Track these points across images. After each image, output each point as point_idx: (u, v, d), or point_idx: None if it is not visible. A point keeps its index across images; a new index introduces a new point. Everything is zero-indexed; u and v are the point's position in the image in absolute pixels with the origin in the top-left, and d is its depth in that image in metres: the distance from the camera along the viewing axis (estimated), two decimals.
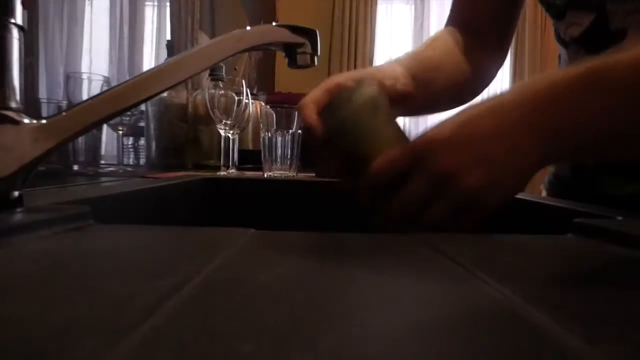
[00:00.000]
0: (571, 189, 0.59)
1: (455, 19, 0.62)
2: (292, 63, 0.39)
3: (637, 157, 0.38)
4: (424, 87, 0.48)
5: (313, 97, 0.40)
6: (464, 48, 0.57)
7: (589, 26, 0.52)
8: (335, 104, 0.38)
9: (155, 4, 1.42)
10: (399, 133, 0.38)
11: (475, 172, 0.31)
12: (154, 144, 0.99)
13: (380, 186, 0.34)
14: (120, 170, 0.79)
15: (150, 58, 1.37)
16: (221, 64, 0.94)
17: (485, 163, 0.31)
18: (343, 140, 0.37)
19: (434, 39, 0.57)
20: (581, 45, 0.55)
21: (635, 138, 0.31)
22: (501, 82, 3.23)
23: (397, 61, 0.49)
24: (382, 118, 0.37)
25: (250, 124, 1.02)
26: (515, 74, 3.27)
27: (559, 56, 0.61)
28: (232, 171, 0.85)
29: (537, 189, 0.66)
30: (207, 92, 0.82)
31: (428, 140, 0.33)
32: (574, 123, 0.31)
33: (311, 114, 0.39)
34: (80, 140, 0.80)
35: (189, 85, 1.06)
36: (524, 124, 0.31)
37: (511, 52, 3.25)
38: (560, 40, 0.58)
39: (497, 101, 0.33)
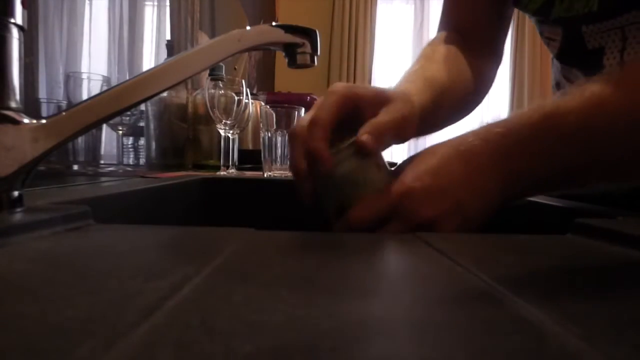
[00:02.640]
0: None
1: (448, 25, 0.62)
2: (292, 63, 0.39)
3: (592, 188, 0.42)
4: (432, 115, 0.47)
5: (323, 115, 0.36)
6: (463, 56, 0.57)
7: (564, 44, 0.54)
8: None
9: (155, 4, 1.42)
10: (387, 178, 0.38)
11: (450, 220, 0.34)
12: (153, 144, 0.99)
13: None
14: (120, 170, 0.79)
15: (150, 58, 1.37)
16: (221, 64, 0.94)
17: (458, 210, 0.34)
18: (330, 191, 0.38)
19: (436, 51, 0.56)
20: (562, 62, 0.56)
21: (584, 175, 0.35)
22: (501, 85, 3.23)
23: (409, 84, 0.48)
24: (372, 169, 0.38)
25: (250, 123, 1.02)
26: (515, 77, 3.27)
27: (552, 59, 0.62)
28: (232, 171, 0.85)
29: None
30: (207, 92, 0.82)
31: (406, 189, 0.34)
32: (530, 165, 0.34)
33: (319, 142, 0.35)
34: (80, 140, 0.80)
35: (189, 85, 1.06)
36: (490, 170, 0.35)
37: (510, 55, 3.25)
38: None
39: (467, 146, 0.36)
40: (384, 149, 0.39)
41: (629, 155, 0.33)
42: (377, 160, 0.38)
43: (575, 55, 0.54)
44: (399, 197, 0.34)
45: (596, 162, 0.34)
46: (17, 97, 0.27)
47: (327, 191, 0.39)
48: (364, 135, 0.35)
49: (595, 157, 0.34)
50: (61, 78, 0.89)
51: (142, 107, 0.96)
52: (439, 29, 0.63)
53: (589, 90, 0.33)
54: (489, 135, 0.35)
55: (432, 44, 0.58)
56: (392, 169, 0.40)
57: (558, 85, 0.60)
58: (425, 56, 0.56)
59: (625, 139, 0.33)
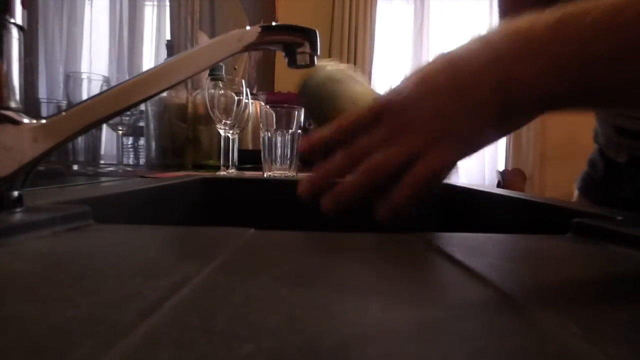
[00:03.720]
0: (603, 189, 0.58)
1: (502, 12, 0.60)
2: (292, 63, 0.39)
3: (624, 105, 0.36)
4: None
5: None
6: None
7: None
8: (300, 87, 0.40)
9: (155, 4, 1.42)
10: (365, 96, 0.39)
11: (430, 124, 0.31)
12: (153, 144, 0.99)
13: (338, 142, 0.34)
14: (120, 170, 0.79)
15: (150, 58, 1.36)
16: (221, 64, 0.94)
17: (439, 115, 0.31)
18: (316, 118, 0.39)
19: None
20: None
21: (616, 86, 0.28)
22: None
23: None
24: (340, 89, 0.38)
25: (250, 123, 1.02)
26: None
27: None
28: (232, 171, 0.85)
29: (570, 189, 0.66)
30: (206, 92, 0.82)
31: (388, 98, 0.33)
32: (544, 68, 0.28)
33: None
34: (80, 140, 0.80)
35: (189, 85, 1.06)
36: (480, 77, 0.30)
37: None
38: None
39: (463, 50, 0.32)
40: None
41: None
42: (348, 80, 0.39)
43: None
44: (380, 105, 0.33)
45: (623, 61, 0.26)
46: (17, 97, 0.27)
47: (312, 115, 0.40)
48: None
49: (620, 55, 0.26)
50: (61, 78, 0.89)
51: (142, 107, 0.96)
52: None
53: None
54: (496, 35, 0.30)
55: None
56: None
57: None
58: None
59: None
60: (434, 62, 0.33)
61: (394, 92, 0.33)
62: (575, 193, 0.65)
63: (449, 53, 0.33)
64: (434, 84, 0.32)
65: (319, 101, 0.39)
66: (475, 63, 0.31)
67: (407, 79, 0.34)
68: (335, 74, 0.40)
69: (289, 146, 0.80)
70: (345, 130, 0.34)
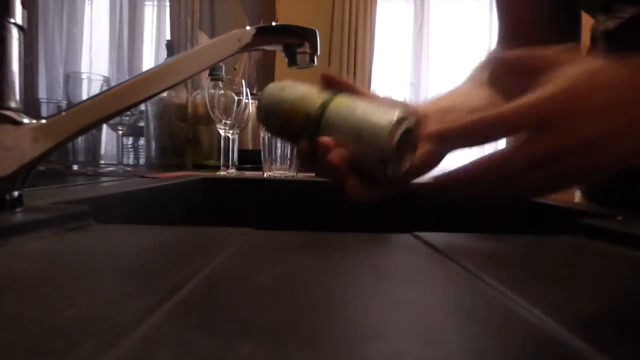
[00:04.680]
0: (606, 193, 0.58)
1: (507, 27, 0.58)
2: (292, 63, 0.39)
3: None
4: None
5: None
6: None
7: (629, 17, 0.46)
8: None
9: (155, 4, 1.42)
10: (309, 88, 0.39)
11: (612, 145, 0.27)
12: (153, 144, 0.99)
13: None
14: (120, 170, 0.79)
15: (150, 58, 1.37)
16: (221, 64, 0.94)
17: (627, 134, 0.27)
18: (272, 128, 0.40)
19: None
20: (612, 39, 0.48)
21: None
22: None
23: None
24: (285, 92, 0.39)
25: (250, 123, 1.02)
26: None
27: None
28: (232, 171, 0.85)
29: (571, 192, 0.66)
30: (206, 92, 0.82)
31: (554, 106, 0.27)
32: None
33: None
34: (80, 140, 0.81)
35: (189, 85, 1.06)
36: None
37: None
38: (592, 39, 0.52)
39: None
40: None
41: None
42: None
43: (633, 31, 0.45)
44: (546, 110, 0.27)
45: None
46: (17, 97, 0.27)
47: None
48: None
49: None
50: (61, 78, 0.89)
51: (142, 107, 0.96)
52: (498, 42, 0.59)
53: None
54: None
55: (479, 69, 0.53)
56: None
57: None
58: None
59: None
60: (614, 68, 0.28)
61: (561, 94, 0.28)
62: (578, 194, 0.65)
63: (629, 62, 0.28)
64: (619, 100, 0.27)
65: (272, 110, 0.40)
66: None
67: (571, 85, 0.28)
68: (277, 85, 0.41)
69: (289, 146, 0.80)
70: (482, 136, 0.29)
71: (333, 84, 0.38)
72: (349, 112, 0.36)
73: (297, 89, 0.39)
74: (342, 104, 0.37)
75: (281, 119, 0.39)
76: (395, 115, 0.33)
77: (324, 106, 0.37)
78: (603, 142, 0.27)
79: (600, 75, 0.28)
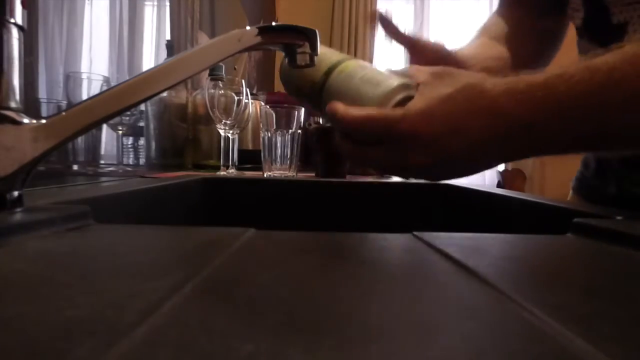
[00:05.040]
0: (596, 189, 0.59)
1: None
2: (292, 63, 0.39)
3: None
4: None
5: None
6: (513, 26, 0.56)
7: (588, 14, 0.51)
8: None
9: (155, 4, 1.42)
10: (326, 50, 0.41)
11: (437, 172, 0.35)
12: (153, 144, 0.99)
13: (345, 128, 0.37)
14: (120, 170, 0.79)
15: (150, 58, 1.37)
16: (221, 64, 0.94)
17: (451, 166, 0.35)
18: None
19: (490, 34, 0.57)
20: (583, 35, 0.53)
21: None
22: None
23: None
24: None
25: (250, 123, 1.02)
26: None
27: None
28: (232, 171, 0.85)
29: (566, 189, 0.66)
30: (206, 92, 0.82)
31: (412, 129, 0.33)
32: (559, 133, 0.32)
33: None
34: (80, 140, 0.81)
35: (189, 85, 1.06)
36: (512, 139, 0.32)
37: None
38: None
39: (502, 111, 0.32)
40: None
41: None
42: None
43: (598, 30, 0.50)
44: (400, 133, 0.34)
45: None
46: (17, 97, 0.27)
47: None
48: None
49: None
50: (61, 78, 0.89)
51: (142, 107, 0.96)
52: (496, 11, 0.62)
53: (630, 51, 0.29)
54: (529, 100, 0.31)
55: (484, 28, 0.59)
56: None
57: None
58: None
59: None
60: (470, 99, 0.33)
61: (420, 123, 0.33)
62: (570, 193, 0.65)
63: (487, 96, 0.33)
64: (465, 140, 0.33)
65: (286, 74, 0.42)
66: (508, 125, 0.32)
67: (435, 103, 0.34)
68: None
69: (289, 146, 0.80)
70: (351, 125, 0.36)
71: (389, 28, 0.44)
72: (348, 80, 0.38)
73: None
74: (344, 70, 0.39)
75: (294, 83, 0.42)
76: (389, 86, 0.35)
77: (328, 73, 0.39)
78: (435, 167, 0.34)
79: (449, 103, 0.34)
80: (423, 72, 0.37)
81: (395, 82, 0.37)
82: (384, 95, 0.36)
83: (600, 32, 0.50)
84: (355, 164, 0.40)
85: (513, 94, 0.32)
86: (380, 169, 0.39)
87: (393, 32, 0.44)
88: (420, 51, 0.44)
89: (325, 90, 0.39)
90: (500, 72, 0.34)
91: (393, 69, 0.41)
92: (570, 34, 0.57)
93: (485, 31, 0.58)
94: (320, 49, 0.40)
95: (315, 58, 0.38)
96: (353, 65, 0.40)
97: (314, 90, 0.40)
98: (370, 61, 3.33)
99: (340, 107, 0.36)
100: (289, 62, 0.40)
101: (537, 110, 0.31)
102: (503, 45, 0.55)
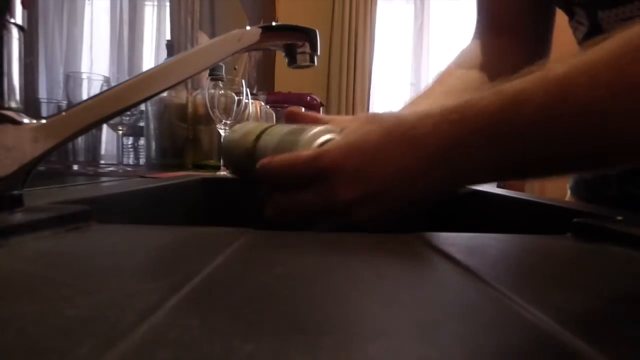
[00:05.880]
0: (596, 190, 0.58)
1: (486, 21, 0.61)
2: (292, 63, 0.39)
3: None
4: None
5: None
6: (495, 54, 0.56)
7: (590, 31, 0.51)
8: None
9: (155, 4, 1.42)
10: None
11: (366, 207, 0.33)
12: (153, 144, 0.99)
13: (273, 178, 0.37)
14: (120, 170, 0.79)
15: (150, 58, 1.37)
16: (221, 63, 0.94)
17: (380, 199, 0.33)
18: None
19: (448, 76, 0.56)
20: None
21: (534, 168, 0.32)
22: None
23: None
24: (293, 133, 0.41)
25: None
26: None
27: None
28: None
29: (566, 189, 0.66)
30: (207, 91, 0.82)
31: (333, 164, 0.33)
32: (477, 158, 0.32)
33: None
34: (80, 140, 0.81)
35: (189, 85, 1.06)
36: (432, 162, 0.32)
37: None
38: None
39: (416, 133, 0.33)
40: None
41: (588, 149, 0.29)
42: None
43: None
44: (323, 168, 0.33)
45: (551, 157, 0.30)
46: (17, 97, 0.27)
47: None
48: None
49: (550, 153, 0.30)
50: (61, 78, 0.89)
51: (142, 107, 0.96)
52: (475, 31, 0.62)
53: (552, 73, 0.29)
54: (443, 122, 0.32)
55: (442, 74, 0.58)
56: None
57: None
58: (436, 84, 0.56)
59: (586, 135, 0.28)
60: (387, 130, 0.34)
61: (340, 155, 0.33)
62: (568, 194, 0.65)
63: (402, 124, 0.34)
64: (385, 164, 0.33)
65: (226, 153, 0.48)
66: (425, 148, 0.32)
67: (352, 137, 0.34)
68: (231, 130, 0.49)
69: None
70: (273, 171, 0.36)
71: (298, 119, 0.44)
72: (275, 136, 0.42)
73: (243, 129, 0.45)
74: (271, 131, 0.42)
75: (232, 158, 0.46)
76: (312, 129, 0.38)
77: (257, 138, 0.42)
78: (364, 200, 0.33)
79: (368, 135, 0.34)
80: (346, 119, 0.39)
81: (318, 127, 0.38)
82: (307, 138, 0.37)
83: None
84: (284, 215, 0.37)
85: (428, 118, 0.33)
86: (310, 214, 0.36)
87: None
88: None
89: (257, 152, 0.41)
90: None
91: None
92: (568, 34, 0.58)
93: (448, 74, 0.57)
94: (249, 124, 0.45)
95: (246, 130, 0.43)
96: (280, 126, 0.42)
97: (248, 156, 0.42)
98: (370, 61, 3.33)
99: (266, 159, 0.36)
100: (289, 62, 0.40)
101: (453, 133, 0.31)
102: (478, 73, 0.55)
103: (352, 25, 3.30)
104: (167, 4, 1.34)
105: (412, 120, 0.33)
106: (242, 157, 0.43)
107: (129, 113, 0.81)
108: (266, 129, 0.42)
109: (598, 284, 0.17)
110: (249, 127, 0.45)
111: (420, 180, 0.33)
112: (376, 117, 0.36)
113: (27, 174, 0.27)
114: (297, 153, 0.35)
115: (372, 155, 0.33)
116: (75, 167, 0.79)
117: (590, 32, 0.51)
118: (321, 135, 0.37)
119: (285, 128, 0.40)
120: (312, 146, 0.36)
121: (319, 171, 0.33)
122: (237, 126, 0.47)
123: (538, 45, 0.59)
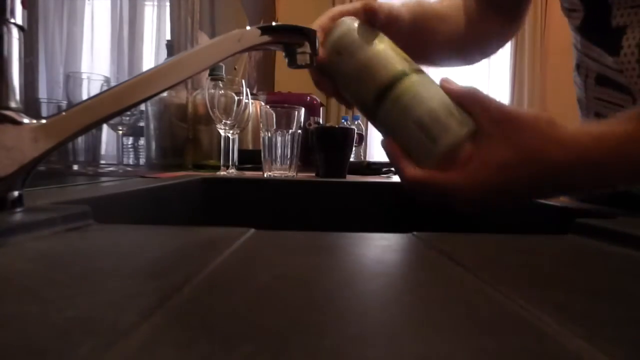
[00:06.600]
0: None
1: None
2: (292, 63, 0.39)
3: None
4: (420, 33, 0.53)
5: (319, 23, 0.48)
6: (472, 9, 0.59)
7: (588, 15, 0.52)
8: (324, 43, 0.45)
9: (155, 4, 1.42)
10: (387, 52, 0.42)
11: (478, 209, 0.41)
12: (153, 144, 0.99)
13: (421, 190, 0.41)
14: (120, 170, 0.79)
15: (150, 58, 1.37)
16: (221, 64, 0.94)
17: (491, 208, 0.41)
18: (334, 73, 0.44)
19: None
20: (583, 36, 0.54)
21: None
22: (501, 85, 3.23)
23: (403, 4, 0.53)
24: (357, 50, 0.42)
25: (250, 124, 1.02)
26: (515, 77, 3.26)
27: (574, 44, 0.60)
28: (232, 171, 0.84)
29: None
30: (207, 92, 0.82)
31: (465, 189, 0.38)
32: (600, 178, 0.36)
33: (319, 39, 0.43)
34: (80, 140, 0.81)
35: (189, 85, 1.06)
36: (555, 184, 0.36)
37: (511, 52, 3.25)
38: (571, 26, 0.58)
39: (559, 172, 0.35)
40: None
41: None
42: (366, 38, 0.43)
43: (597, 31, 0.52)
44: (453, 191, 0.38)
45: None
46: (17, 97, 0.27)
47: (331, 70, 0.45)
48: None
49: None
50: (61, 78, 0.89)
51: (142, 107, 0.96)
52: None
53: None
54: (582, 156, 0.35)
55: None
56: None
57: (579, 67, 0.58)
58: None
59: None
60: (530, 170, 0.37)
61: (471, 185, 0.38)
62: None
63: (549, 164, 0.36)
64: (510, 197, 0.39)
65: (344, 51, 0.43)
66: (558, 178, 0.36)
67: (492, 172, 0.37)
68: (355, 29, 0.44)
69: (289, 146, 0.80)
70: (414, 188, 0.41)
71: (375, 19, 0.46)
72: (404, 114, 0.40)
73: (375, 48, 0.42)
74: (409, 91, 0.40)
75: (349, 72, 0.42)
76: (443, 146, 0.39)
77: (380, 97, 0.41)
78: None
79: (505, 173, 0.38)
80: (487, 117, 0.39)
81: (450, 139, 0.38)
82: (438, 154, 0.39)
83: (597, 34, 0.52)
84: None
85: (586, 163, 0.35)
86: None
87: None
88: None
89: (381, 113, 0.41)
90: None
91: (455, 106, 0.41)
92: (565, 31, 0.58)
93: None
94: (376, 42, 0.43)
95: (385, 57, 0.41)
96: (418, 83, 0.41)
97: (368, 104, 0.42)
98: None
99: (407, 167, 0.41)
100: (289, 63, 0.40)
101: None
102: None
103: None
104: (167, 4, 1.34)
105: (559, 156, 0.36)
106: (363, 89, 0.42)
107: (129, 113, 0.81)
108: (391, 83, 0.41)
109: (599, 284, 0.17)
110: (389, 56, 0.42)
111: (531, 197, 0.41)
112: (521, 135, 0.37)
113: (27, 174, 0.27)
114: (433, 174, 0.40)
115: (506, 193, 0.38)
116: (75, 167, 0.79)
117: (590, 18, 0.52)
118: (454, 149, 0.39)
119: (416, 106, 0.40)
120: (441, 160, 0.39)
121: (448, 192, 0.39)
122: (362, 29, 0.44)
123: (510, 15, 0.62)
